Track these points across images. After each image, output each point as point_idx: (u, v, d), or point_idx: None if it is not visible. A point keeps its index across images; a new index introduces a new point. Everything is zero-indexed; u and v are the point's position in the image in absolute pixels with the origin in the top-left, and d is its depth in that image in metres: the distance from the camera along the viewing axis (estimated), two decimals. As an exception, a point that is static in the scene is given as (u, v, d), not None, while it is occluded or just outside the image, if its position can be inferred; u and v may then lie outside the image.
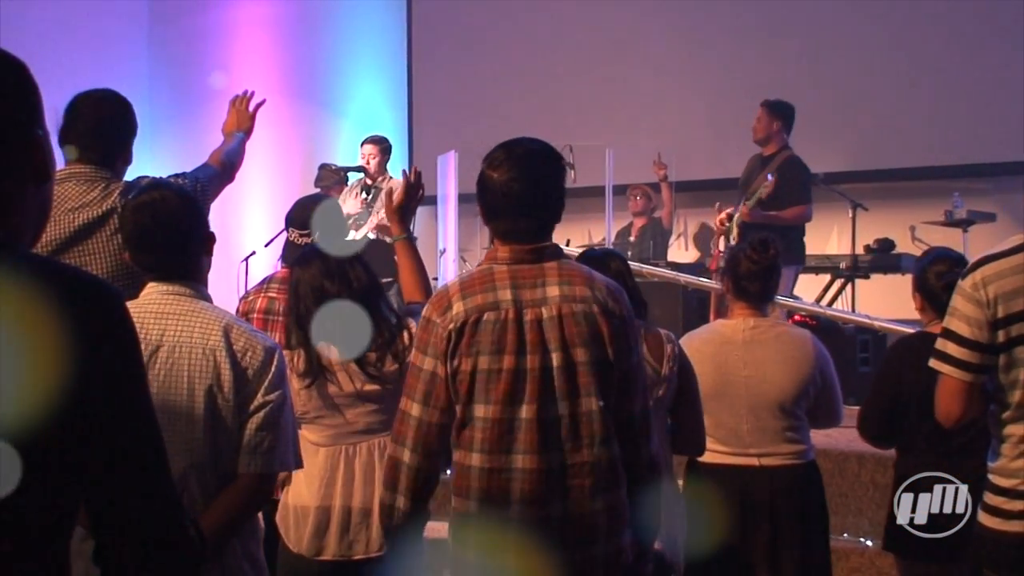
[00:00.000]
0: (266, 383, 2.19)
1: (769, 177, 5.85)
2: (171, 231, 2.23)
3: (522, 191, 2.22)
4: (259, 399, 2.18)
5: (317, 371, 2.72)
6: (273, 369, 2.21)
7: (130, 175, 2.97)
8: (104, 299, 1.21)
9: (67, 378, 1.14)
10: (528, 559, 2.14)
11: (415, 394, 2.23)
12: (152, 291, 2.22)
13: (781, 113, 6.21)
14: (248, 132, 3.42)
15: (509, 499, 2.16)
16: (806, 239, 6.25)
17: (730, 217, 6.32)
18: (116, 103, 2.97)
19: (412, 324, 2.77)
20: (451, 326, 2.18)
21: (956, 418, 2.30)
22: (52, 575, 1.18)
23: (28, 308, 1.13)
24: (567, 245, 6.68)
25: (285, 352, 2.78)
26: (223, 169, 3.23)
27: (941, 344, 2.28)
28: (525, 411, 2.15)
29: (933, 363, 2.30)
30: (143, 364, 1.26)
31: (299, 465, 2.32)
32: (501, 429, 2.16)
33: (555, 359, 2.16)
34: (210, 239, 2.33)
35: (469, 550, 2.20)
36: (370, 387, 2.73)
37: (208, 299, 2.27)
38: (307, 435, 2.73)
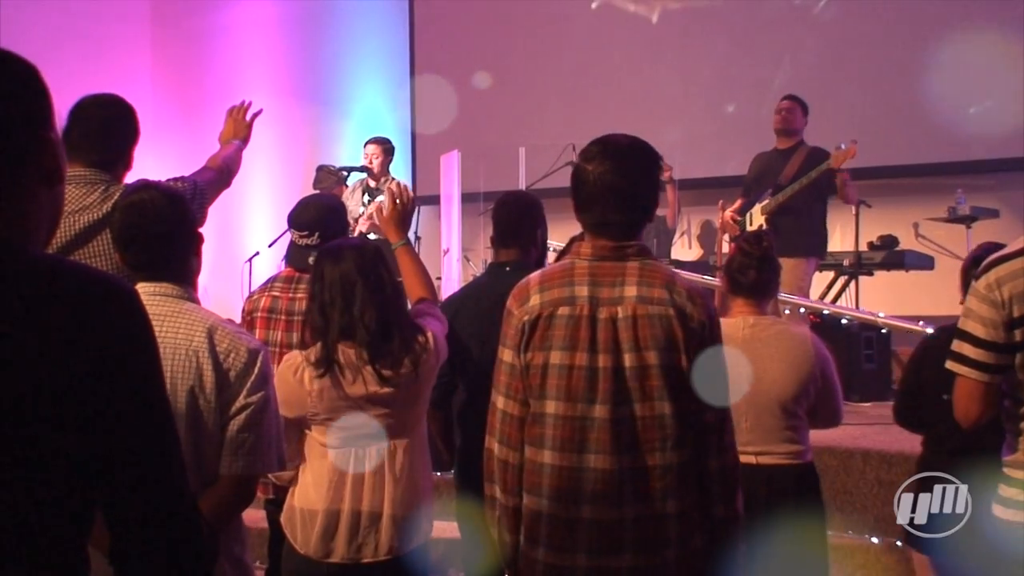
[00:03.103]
0: (248, 384, 2.18)
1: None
2: (158, 230, 2.24)
3: (616, 184, 2.22)
4: (241, 400, 2.17)
5: (330, 363, 2.63)
6: (256, 370, 2.20)
7: (132, 177, 2.98)
8: (118, 296, 1.22)
9: (81, 376, 1.14)
10: (598, 560, 2.13)
11: (499, 386, 2.25)
12: (139, 292, 2.23)
13: (807, 109, 6.28)
14: (245, 141, 3.43)
15: (581, 498, 2.14)
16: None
17: (740, 212, 6.29)
18: (119, 108, 2.98)
19: (427, 325, 2.76)
20: (526, 318, 2.20)
21: (975, 418, 2.30)
22: None
23: (42, 308, 1.13)
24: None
25: (296, 352, 2.77)
26: (221, 174, 3.24)
27: (957, 345, 2.28)
28: (598, 410, 2.13)
29: (950, 364, 2.29)
30: (159, 361, 1.26)
31: (283, 467, 2.30)
32: (573, 427, 2.14)
33: (627, 360, 2.14)
34: (198, 240, 2.33)
35: (539, 548, 2.18)
36: (382, 390, 2.65)
37: (195, 300, 2.28)
38: (316, 436, 2.69)
